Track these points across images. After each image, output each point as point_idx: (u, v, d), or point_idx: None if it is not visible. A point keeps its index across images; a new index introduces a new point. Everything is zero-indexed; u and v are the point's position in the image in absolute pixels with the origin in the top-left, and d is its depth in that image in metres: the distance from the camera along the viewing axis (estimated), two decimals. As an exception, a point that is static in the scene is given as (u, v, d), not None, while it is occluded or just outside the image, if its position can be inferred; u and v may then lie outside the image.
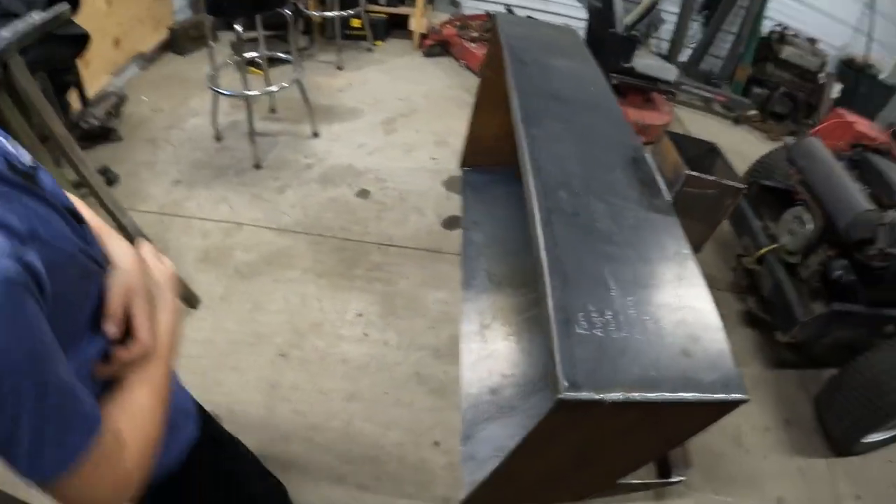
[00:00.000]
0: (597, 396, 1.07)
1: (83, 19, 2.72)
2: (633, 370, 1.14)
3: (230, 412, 2.23)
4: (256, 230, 3.08)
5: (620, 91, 4.24)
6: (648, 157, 1.87)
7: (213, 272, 2.79)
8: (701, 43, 5.54)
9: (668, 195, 1.73)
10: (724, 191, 1.80)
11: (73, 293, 0.73)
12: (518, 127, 1.81)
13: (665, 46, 5.64)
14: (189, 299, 2.58)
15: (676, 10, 5.47)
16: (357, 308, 2.71)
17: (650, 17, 4.63)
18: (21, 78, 1.90)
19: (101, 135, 3.52)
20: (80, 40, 2.79)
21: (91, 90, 3.56)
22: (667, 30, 5.62)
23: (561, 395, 1.05)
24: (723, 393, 1.17)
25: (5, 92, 1.90)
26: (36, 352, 0.61)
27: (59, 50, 2.72)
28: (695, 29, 5.63)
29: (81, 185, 2.23)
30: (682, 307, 1.35)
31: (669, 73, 4.44)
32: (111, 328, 0.79)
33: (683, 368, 1.19)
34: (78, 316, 0.75)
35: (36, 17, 1.98)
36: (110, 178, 3.17)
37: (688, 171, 1.72)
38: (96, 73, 3.78)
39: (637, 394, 1.10)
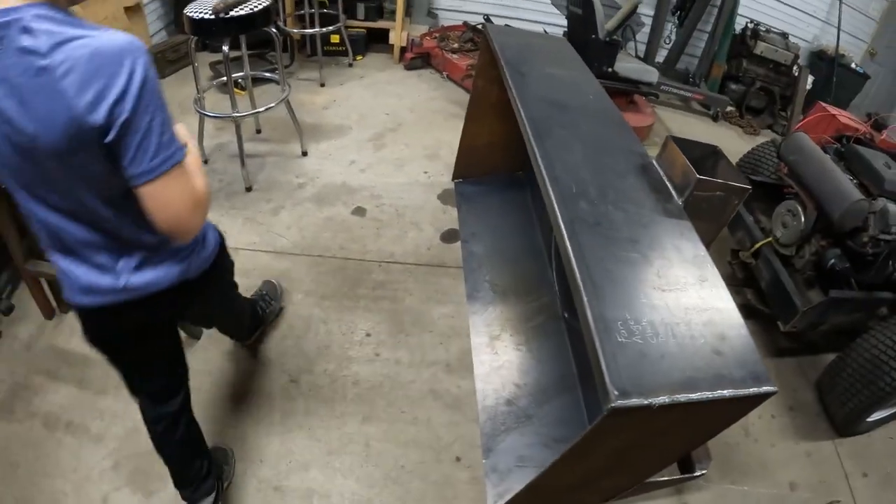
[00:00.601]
0: (646, 402, 1.09)
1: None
2: (673, 373, 1.17)
3: (244, 443, 2.21)
4: (253, 254, 3.05)
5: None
6: (655, 162, 1.91)
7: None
8: (676, 43, 5.64)
9: (679, 200, 1.76)
10: (731, 192, 1.84)
11: None
12: (529, 139, 1.83)
13: (641, 48, 5.73)
14: (191, 331, 2.55)
15: (650, 12, 5.57)
16: (365, 328, 2.70)
17: (630, 22, 4.70)
18: None
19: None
20: None
21: None
22: (642, 32, 5.71)
23: (613, 404, 1.06)
24: (754, 387, 1.22)
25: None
26: (158, 81, 1.12)
27: None
28: (669, 30, 5.73)
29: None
30: (708, 308, 1.38)
31: (651, 75, 4.51)
32: None
33: (717, 367, 1.23)
34: None
35: None
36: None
37: (699, 176, 1.75)
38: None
39: (681, 395, 1.13)
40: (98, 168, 1.13)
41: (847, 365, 2.51)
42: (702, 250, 1.57)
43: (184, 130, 1.31)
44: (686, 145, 1.95)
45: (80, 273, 1.35)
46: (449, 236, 3.32)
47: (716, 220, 1.91)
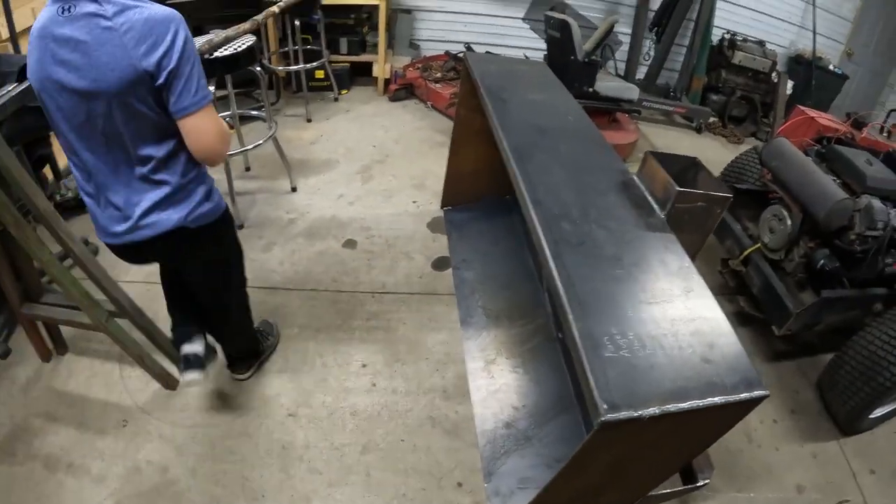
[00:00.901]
0: (635, 413, 1.10)
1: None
2: (663, 384, 1.18)
3: (245, 479, 2.19)
4: (248, 291, 3.05)
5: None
6: (636, 178, 1.93)
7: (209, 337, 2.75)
8: (655, 59, 5.73)
9: (661, 213, 1.78)
10: (712, 201, 1.86)
11: None
12: (511, 165, 1.86)
13: (621, 66, 5.81)
14: (195, 367, 2.54)
15: (628, 30, 5.67)
16: (360, 359, 2.70)
17: (608, 41, 4.78)
18: (1, 152, 1.89)
19: (75, 206, 3.48)
20: None
21: (61, 161, 3.52)
22: (621, 50, 5.81)
23: (603, 418, 1.07)
24: (746, 392, 1.23)
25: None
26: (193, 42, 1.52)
27: (33, 122, 2.69)
28: (647, 46, 5.82)
29: (67, 258, 2.22)
30: (695, 318, 1.39)
31: (632, 92, 4.57)
32: None
33: (707, 375, 1.24)
34: None
35: (12, 89, 1.98)
36: (93, 251, 3.12)
37: (678, 188, 1.77)
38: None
39: (671, 405, 1.14)
40: (143, 108, 1.50)
41: (845, 363, 2.52)
42: (686, 261, 1.59)
43: None
44: (665, 159, 1.98)
45: (103, 218, 1.73)
46: (440, 264, 3.34)
47: (699, 231, 1.92)
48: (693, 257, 1.65)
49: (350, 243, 3.47)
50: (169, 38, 1.44)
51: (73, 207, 3.47)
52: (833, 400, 2.62)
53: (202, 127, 1.56)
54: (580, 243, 1.55)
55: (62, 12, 1.41)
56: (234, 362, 2.55)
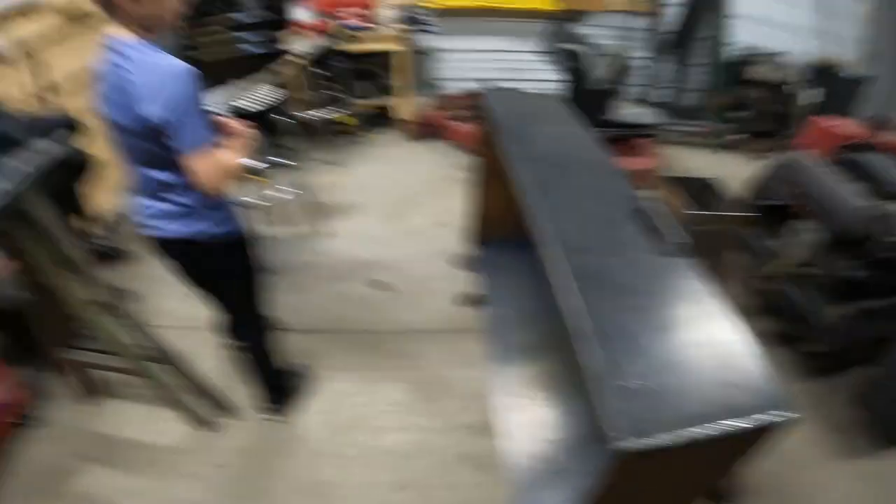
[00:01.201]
0: (651, 442, 1.09)
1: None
2: (681, 410, 1.17)
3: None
4: (281, 334, 3.11)
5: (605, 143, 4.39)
6: (651, 205, 1.94)
7: (246, 379, 2.81)
8: (672, 81, 5.71)
9: (676, 238, 1.78)
10: (727, 222, 1.86)
11: None
12: (526, 199, 1.89)
13: (637, 92, 5.81)
14: (228, 409, 2.63)
15: (642, 55, 5.68)
16: (390, 397, 2.73)
17: (623, 67, 4.80)
18: (39, 209, 1.99)
19: (107, 255, 3.60)
20: (82, 163, 2.90)
21: (93, 210, 3.62)
22: (637, 75, 5.81)
23: (616, 447, 1.07)
24: (773, 414, 1.20)
25: (24, 224, 1.98)
26: (197, 94, 1.71)
27: (63, 175, 2.77)
28: (663, 69, 5.81)
29: (105, 307, 2.30)
30: (715, 342, 1.39)
31: (650, 116, 4.59)
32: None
33: (729, 399, 1.22)
34: None
35: (47, 146, 2.10)
36: (129, 298, 3.21)
37: (693, 211, 1.78)
38: (96, 192, 3.87)
39: (690, 431, 1.13)
40: (151, 144, 1.74)
41: (891, 374, 2.45)
42: (704, 285, 1.58)
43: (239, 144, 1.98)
44: (680, 182, 1.99)
45: (137, 208, 2.01)
46: (467, 301, 3.36)
47: (716, 252, 1.92)
48: (714, 279, 1.64)
49: (377, 283, 3.52)
50: (169, 89, 1.64)
51: (104, 257, 3.58)
52: (881, 412, 2.53)
53: (196, 167, 1.76)
54: (595, 274, 1.56)
55: (106, 59, 1.69)
56: (266, 402, 2.61)
